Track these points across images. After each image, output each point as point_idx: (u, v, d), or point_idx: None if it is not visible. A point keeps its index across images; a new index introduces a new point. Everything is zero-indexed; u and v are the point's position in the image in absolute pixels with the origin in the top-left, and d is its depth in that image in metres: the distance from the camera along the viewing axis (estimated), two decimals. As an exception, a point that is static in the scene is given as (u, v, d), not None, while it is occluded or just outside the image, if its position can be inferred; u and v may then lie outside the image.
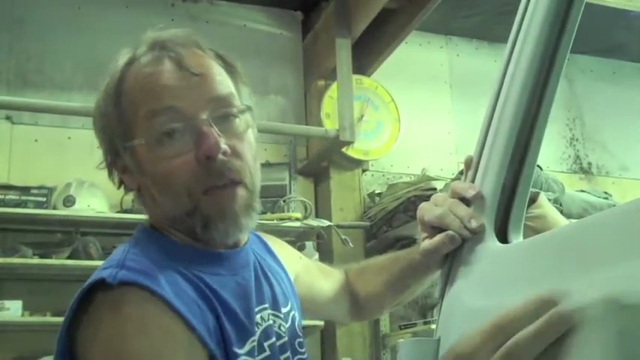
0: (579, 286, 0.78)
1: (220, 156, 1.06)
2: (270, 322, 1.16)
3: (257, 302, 1.14)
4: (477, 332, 0.80)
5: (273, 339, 1.15)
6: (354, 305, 1.50)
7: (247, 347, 1.07)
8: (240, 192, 1.09)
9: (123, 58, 1.13)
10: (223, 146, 1.06)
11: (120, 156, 1.12)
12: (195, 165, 1.05)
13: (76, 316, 1.00)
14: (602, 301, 0.73)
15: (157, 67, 1.08)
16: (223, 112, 1.09)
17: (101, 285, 0.99)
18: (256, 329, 1.11)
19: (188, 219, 1.08)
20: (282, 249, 1.36)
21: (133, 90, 1.09)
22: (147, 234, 1.14)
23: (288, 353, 1.18)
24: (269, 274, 1.23)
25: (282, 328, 1.19)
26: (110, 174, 1.17)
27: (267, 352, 1.12)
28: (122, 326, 0.96)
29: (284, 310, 1.22)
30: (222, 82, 1.11)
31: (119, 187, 1.19)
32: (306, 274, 1.44)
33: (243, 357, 1.06)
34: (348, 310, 1.51)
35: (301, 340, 1.24)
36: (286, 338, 1.19)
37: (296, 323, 1.24)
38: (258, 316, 1.13)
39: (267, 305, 1.17)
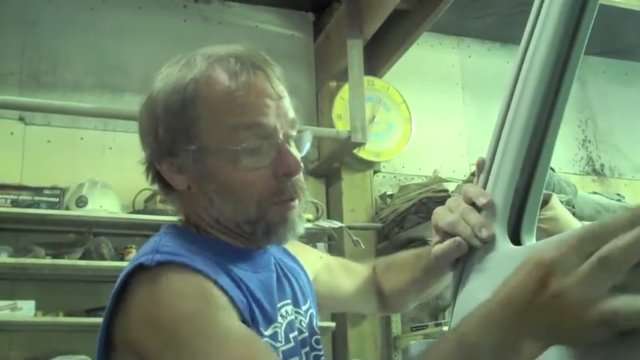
0: None
1: (297, 176, 1.16)
2: (293, 316, 1.22)
3: (280, 298, 1.21)
4: (566, 238, 0.75)
5: (296, 332, 1.21)
6: (381, 300, 1.53)
7: (270, 331, 1.14)
8: (297, 205, 1.17)
9: (199, 62, 1.15)
10: (301, 165, 1.16)
11: (175, 155, 1.14)
12: (271, 179, 1.13)
13: (117, 303, 1.06)
14: None
15: (248, 83, 1.12)
16: (292, 133, 1.17)
17: (138, 271, 1.05)
18: (280, 318, 1.18)
19: (247, 225, 1.15)
20: (300, 250, 1.41)
21: (216, 98, 1.12)
22: (176, 229, 1.19)
23: (308, 348, 1.24)
24: (289, 274, 1.29)
25: (302, 323, 1.25)
26: (149, 168, 1.20)
27: (292, 344, 1.18)
28: (161, 293, 1.02)
29: (303, 307, 1.28)
30: (290, 104, 1.18)
31: (153, 183, 1.21)
32: (327, 273, 1.47)
33: (267, 339, 1.12)
34: (375, 304, 1.55)
35: (318, 337, 1.29)
36: (306, 334, 1.25)
37: (313, 321, 1.29)
38: (282, 310, 1.20)
39: (289, 301, 1.24)
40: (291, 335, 1.19)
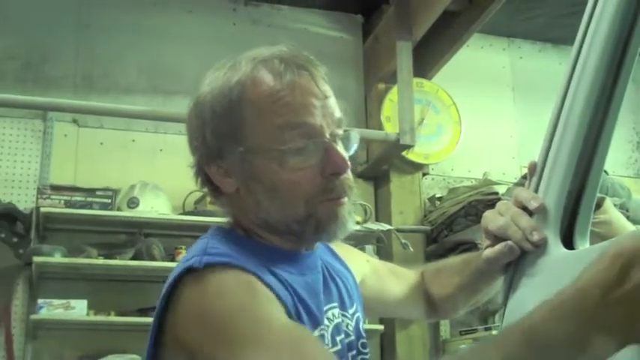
0: None
1: (344, 174, 1.14)
2: (340, 319, 1.21)
3: (326, 301, 1.19)
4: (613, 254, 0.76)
5: (343, 335, 1.20)
6: (430, 306, 1.51)
7: (316, 334, 1.12)
8: (346, 201, 1.16)
9: (244, 64, 1.15)
10: (349, 163, 1.15)
11: (223, 158, 1.14)
12: (319, 178, 1.12)
13: (167, 304, 1.06)
14: None
15: (293, 83, 1.12)
16: (339, 132, 1.16)
17: (188, 273, 1.05)
18: (326, 321, 1.16)
19: (296, 224, 1.13)
20: (347, 253, 1.40)
21: (262, 98, 1.12)
22: (223, 231, 1.19)
23: (354, 351, 1.22)
24: (336, 276, 1.28)
25: (349, 327, 1.23)
26: (198, 173, 1.20)
27: (339, 347, 1.17)
28: (209, 290, 1.02)
29: (350, 310, 1.26)
30: (336, 104, 1.18)
31: (202, 187, 1.21)
32: (375, 277, 1.46)
33: None
34: (423, 310, 1.53)
35: (364, 340, 1.27)
36: (353, 337, 1.23)
37: (360, 324, 1.28)
38: (329, 313, 1.19)
39: (336, 304, 1.22)
40: (338, 338, 1.18)
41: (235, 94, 1.12)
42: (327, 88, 1.16)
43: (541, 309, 0.79)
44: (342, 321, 1.22)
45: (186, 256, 1.12)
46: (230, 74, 1.15)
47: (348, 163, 1.15)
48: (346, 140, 1.19)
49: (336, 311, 1.21)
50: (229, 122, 1.13)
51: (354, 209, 1.19)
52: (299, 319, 1.09)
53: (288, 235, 1.16)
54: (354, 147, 1.21)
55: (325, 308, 1.18)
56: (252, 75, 1.13)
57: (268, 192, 1.13)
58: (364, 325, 1.31)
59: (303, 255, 1.20)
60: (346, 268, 1.35)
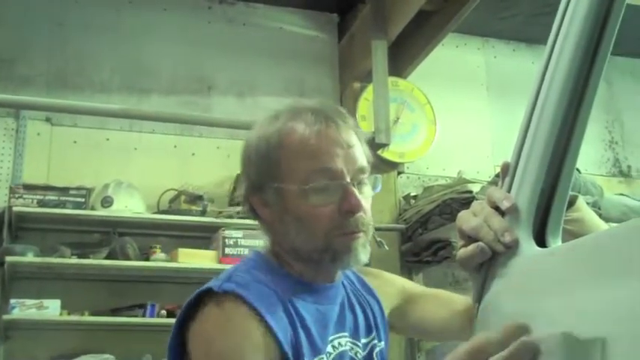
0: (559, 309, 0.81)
1: (359, 213, 1.34)
2: (347, 347, 1.37)
3: (335, 330, 1.36)
4: (459, 353, 0.84)
5: None
6: None
7: None
8: (361, 236, 1.37)
9: (286, 117, 1.37)
10: (364, 205, 1.35)
11: (263, 191, 1.36)
12: (337, 215, 1.32)
13: (188, 314, 1.27)
14: (559, 335, 0.77)
15: (320, 132, 1.33)
16: (361, 179, 1.38)
17: (209, 292, 1.26)
18: (330, 349, 1.33)
19: (316, 253, 1.34)
20: (382, 283, 1.59)
21: (294, 144, 1.33)
22: (258, 257, 1.41)
23: None
24: (356, 306, 1.46)
25: (357, 355, 1.39)
26: (245, 202, 1.42)
27: None
28: (213, 328, 1.23)
29: (363, 340, 1.43)
30: (362, 153, 1.40)
31: (249, 214, 1.43)
32: (412, 305, 1.60)
33: None
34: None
35: None
36: None
37: (373, 353, 1.44)
38: (335, 341, 1.35)
39: (346, 333, 1.39)
40: None
41: (274, 141, 1.34)
42: (352, 139, 1.37)
43: None
44: (351, 349, 1.37)
45: (221, 274, 1.33)
46: (272, 123, 1.37)
47: (362, 204, 1.34)
48: (369, 184, 1.40)
49: (344, 340, 1.37)
50: (268, 163, 1.34)
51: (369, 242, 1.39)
52: (298, 345, 1.25)
53: (309, 262, 1.36)
54: (377, 189, 1.44)
55: (332, 337, 1.34)
56: (288, 124, 1.35)
57: (295, 223, 1.33)
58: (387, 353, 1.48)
59: (323, 287, 1.39)
60: (375, 298, 1.52)
